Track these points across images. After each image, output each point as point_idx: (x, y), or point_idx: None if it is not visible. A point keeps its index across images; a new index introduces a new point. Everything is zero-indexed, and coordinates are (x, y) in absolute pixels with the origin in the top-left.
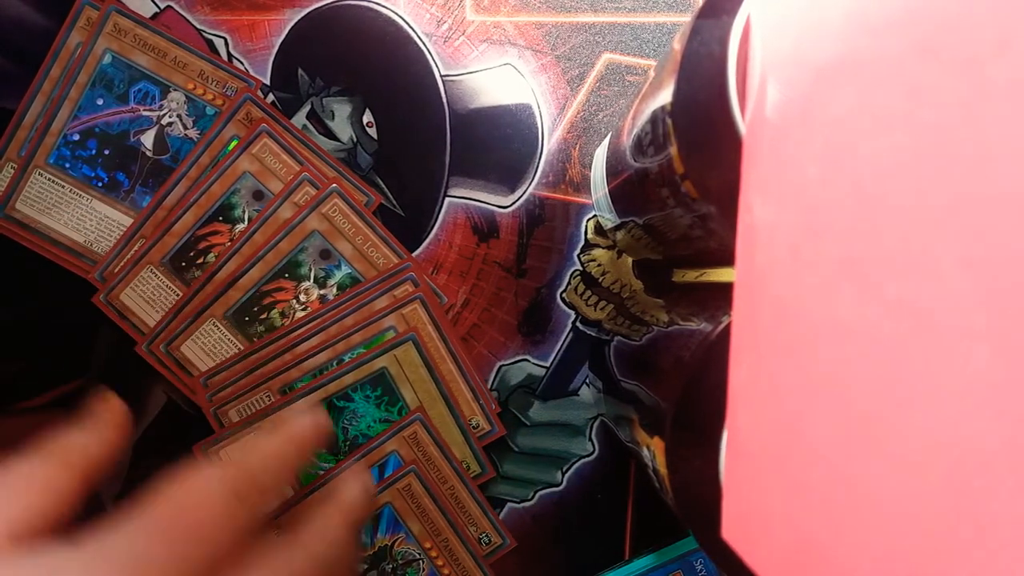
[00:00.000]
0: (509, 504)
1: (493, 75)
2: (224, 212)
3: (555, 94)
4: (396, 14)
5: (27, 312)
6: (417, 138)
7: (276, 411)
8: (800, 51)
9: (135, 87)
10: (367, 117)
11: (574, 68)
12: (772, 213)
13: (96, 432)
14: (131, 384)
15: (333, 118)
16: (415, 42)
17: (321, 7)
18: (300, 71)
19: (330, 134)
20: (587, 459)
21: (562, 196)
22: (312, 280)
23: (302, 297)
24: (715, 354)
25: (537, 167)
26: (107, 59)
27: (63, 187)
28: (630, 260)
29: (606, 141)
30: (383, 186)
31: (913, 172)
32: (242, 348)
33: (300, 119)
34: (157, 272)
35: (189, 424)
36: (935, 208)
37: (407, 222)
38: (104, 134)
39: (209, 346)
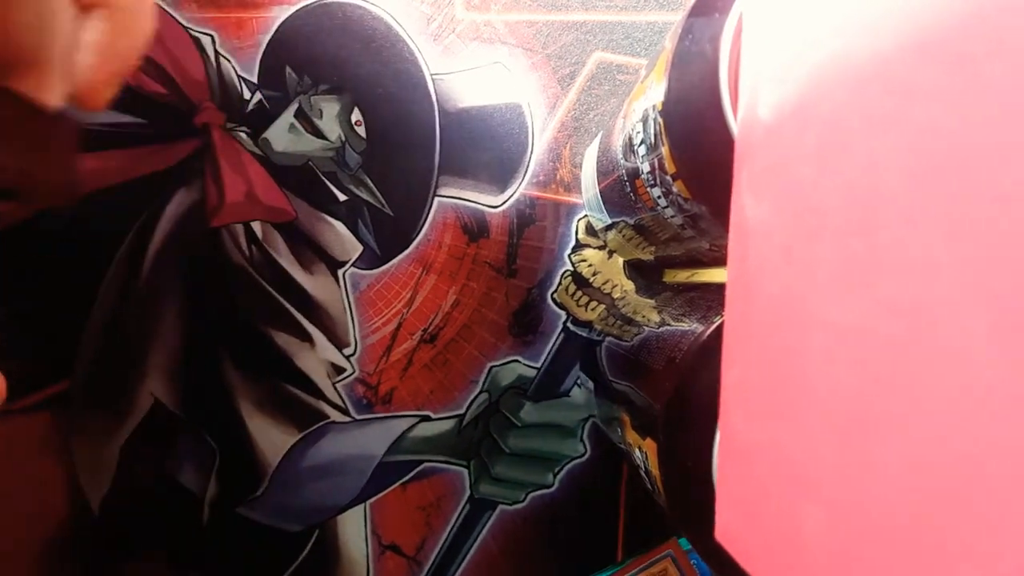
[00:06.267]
0: (500, 506)
1: (483, 74)
2: None
3: (546, 93)
4: (385, 12)
5: (14, 312)
6: (406, 137)
7: None
8: (793, 50)
9: None
10: (355, 116)
11: (565, 67)
12: (765, 213)
13: None
14: (118, 385)
15: (321, 117)
16: (404, 40)
17: (309, 4)
18: (288, 69)
19: (318, 133)
20: (579, 460)
21: (553, 196)
22: None
23: None
24: (707, 355)
25: (527, 166)
26: None
27: None
28: (621, 260)
29: (597, 140)
30: (372, 185)
31: (906, 171)
32: None
33: (288, 118)
34: None
35: (176, 425)
36: (929, 208)
37: (396, 222)
38: None
39: None
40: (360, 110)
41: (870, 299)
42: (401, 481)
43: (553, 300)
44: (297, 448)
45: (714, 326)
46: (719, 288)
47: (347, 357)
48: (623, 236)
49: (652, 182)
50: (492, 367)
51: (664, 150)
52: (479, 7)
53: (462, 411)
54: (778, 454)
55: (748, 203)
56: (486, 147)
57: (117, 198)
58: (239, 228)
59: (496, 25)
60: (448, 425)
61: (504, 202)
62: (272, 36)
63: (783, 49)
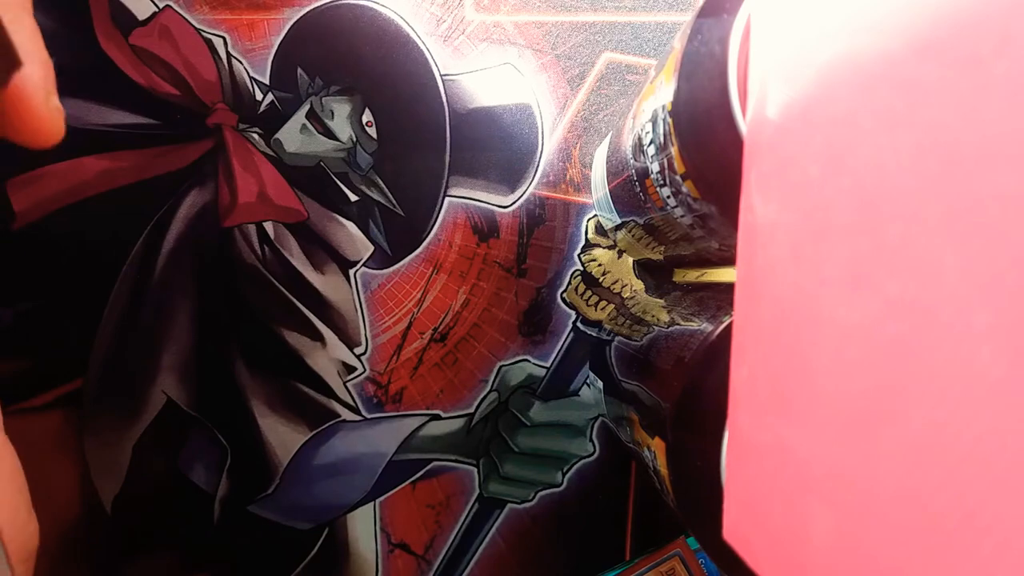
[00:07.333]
0: (509, 505)
1: (493, 74)
2: None
3: (555, 93)
4: (395, 13)
5: (28, 312)
6: (417, 138)
7: None
8: (801, 50)
9: None
10: (366, 116)
11: (574, 67)
12: (773, 212)
13: None
14: (130, 384)
15: (332, 117)
16: (415, 41)
17: (320, 6)
18: (299, 70)
19: (329, 134)
20: (588, 460)
21: (562, 196)
22: None
23: None
24: (716, 354)
25: (537, 167)
26: None
27: None
28: (631, 260)
29: (607, 141)
30: (383, 186)
31: (914, 171)
32: None
33: (299, 119)
34: None
35: (188, 424)
36: (937, 207)
37: (407, 222)
38: None
39: None
40: (371, 111)
41: (878, 298)
42: (411, 480)
43: (563, 300)
44: (308, 446)
45: (723, 326)
46: (728, 288)
47: (358, 356)
48: (633, 236)
49: (662, 182)
50: (502, 366)
51: (673, 150)
52: (489, 8)
53: (472, 410)
54: (786, 454)
55: (757, 203)
56: (496, 147)
57: (130, 199)
58: (251, 228)
59: (506, 26)
60: (458, 424)
61: (514, 202)
62: (284, 38)
63: (791, 49)
